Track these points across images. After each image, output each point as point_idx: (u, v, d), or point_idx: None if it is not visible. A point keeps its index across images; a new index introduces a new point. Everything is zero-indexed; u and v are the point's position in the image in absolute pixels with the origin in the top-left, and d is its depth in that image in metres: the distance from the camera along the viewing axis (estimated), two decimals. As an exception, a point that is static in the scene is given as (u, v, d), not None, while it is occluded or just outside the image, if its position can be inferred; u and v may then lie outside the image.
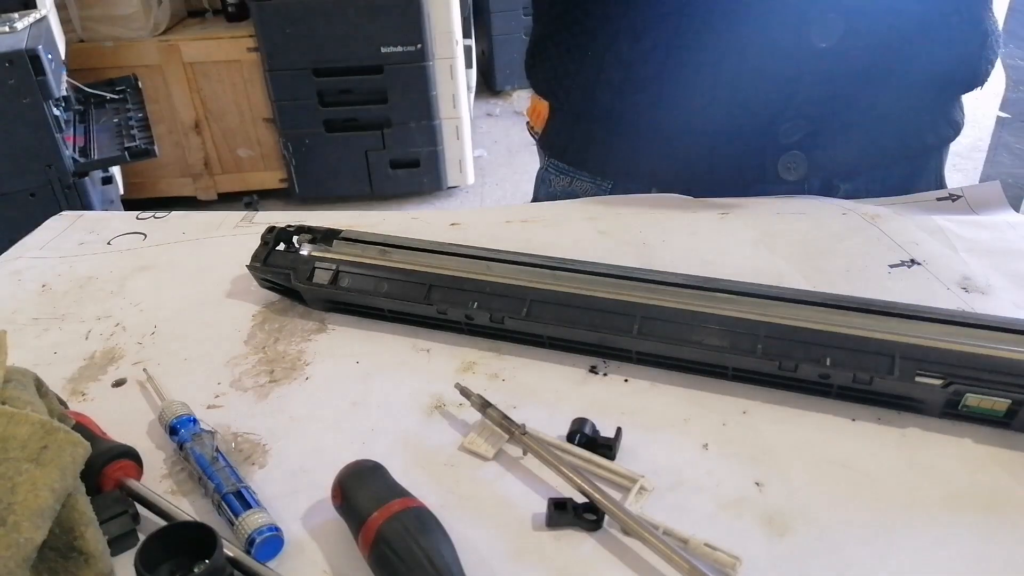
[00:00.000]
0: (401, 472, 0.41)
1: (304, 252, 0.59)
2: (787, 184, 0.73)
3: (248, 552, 0.38)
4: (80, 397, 0.52)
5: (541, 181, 0.88)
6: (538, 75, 0.81)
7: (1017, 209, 0.70)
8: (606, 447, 0.44)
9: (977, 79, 0.75)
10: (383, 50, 2.61)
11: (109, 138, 1.99)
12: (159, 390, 0.51)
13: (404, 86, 2.68)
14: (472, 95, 3.26)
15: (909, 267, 0.61)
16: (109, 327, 0.60)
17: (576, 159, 0.83)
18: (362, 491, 0.39)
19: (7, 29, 1.86)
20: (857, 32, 0.66)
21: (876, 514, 0.40)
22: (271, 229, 0.61)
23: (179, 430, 0.46)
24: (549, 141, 0.85)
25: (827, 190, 0.75)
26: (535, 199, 0.88)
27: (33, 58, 1.74)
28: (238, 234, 0.73)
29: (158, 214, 0.78)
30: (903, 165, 0.77)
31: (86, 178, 1.90)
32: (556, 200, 0.82)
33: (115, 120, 2.09)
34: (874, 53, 0.68)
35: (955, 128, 0.78)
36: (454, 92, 2.76)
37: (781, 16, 0.66)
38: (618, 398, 0.49)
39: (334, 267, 0.58)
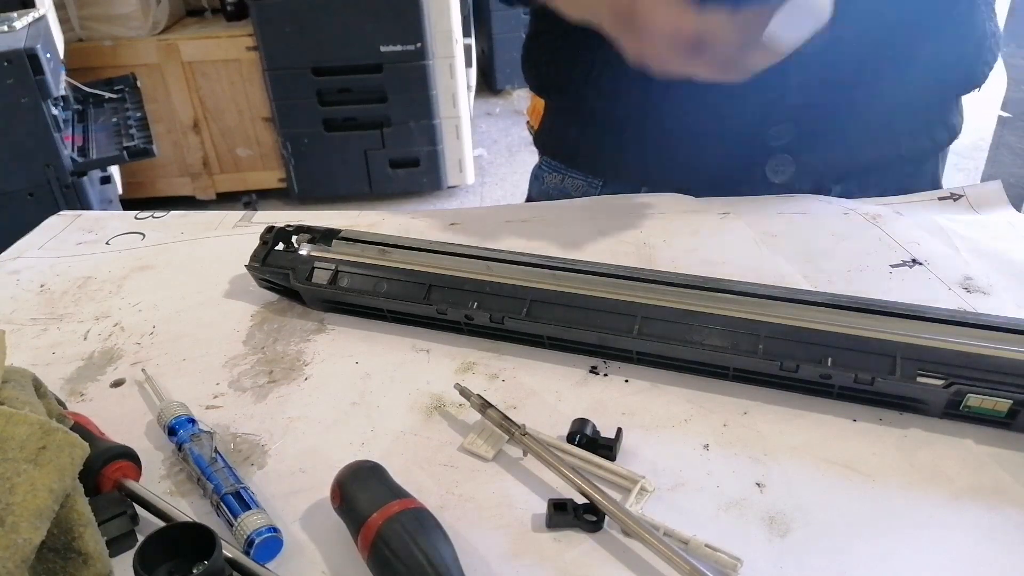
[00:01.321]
0: (401, 473, 0.41)
1: (303, 252, 0.59)
2: (776, 187, 0.73)
3: (247, 553, 0.38)
4: (78, 397, 0.52)
5: (535, 178, 0.88)
6: (532, 73, 0.81)
7: (1019, 209, 0.70)
8: (606, 448, 0.44)
9: (974, 81, 0.74)
10: (382, 49, 2.61)
11: (108, 137, 1.99)
12: (158, 390, 0.51)
13: (403, 85, 2.68)
14: (472, 94, 3.26)
15: (910, 267, 0.61)
16: (108, 327, 0.60)
17: (568, 157, 0.83)
18: (361, 492, 0.39)
19: (5, 28, 1.86)
20: (844, 36, 0.64)
21: (877, 515, 0.40)
22: (270, 229, 0.61)
23: (178, 431, 0.46)
24: (543, 138, 0.85)
25: (818, 192, 0.75)
26: (529, 196, 0.89)
27: (32, 57, 1.74)
28: (237, 234, 0.73)
29: (156, 214, 0.78)
30: (897, 169, 0.76)
31: (84, 178, 1.90)
32: (549, 197, 0.82)
33: (114, 119, 2.09)
34: (862, 58, 0.67)
35: (951, 132, 0.77)
36: (454, 91, 2.75)
37: None
38: (618, 398, 0.49)
39: (333, 267, 0.58)
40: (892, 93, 0.70)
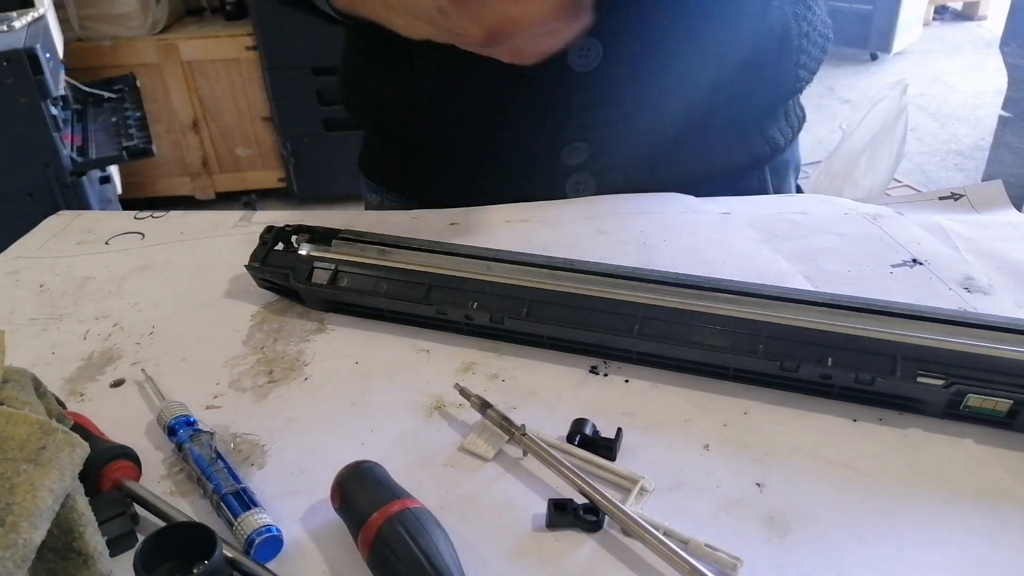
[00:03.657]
0: (401, 473, 0.41)
1: (303, 252, 0.59)
2: None
3: (247, 553, 0.38)
4: (78, 397, 0.52)
5: (364, 197, 0.87)
6: (342, 93, 0.80)
7: (1019, 208, 0.70)
8: (606, 448, 0.44)
9: (786, 90, 0.71)
10: (382, 49, 2.60)
11: (107, 137, 1.99)
12: (158, 390, 0.51)
13: (403, 85, 2.68)
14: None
15: (911, 267, 0.61)
16: (107, 327, 0.59)
17: (381, 178, 0.82)
18: (361, 492, 0.39)
19: (5, 28, 1.86)
20: (619, 55, 0.63)
21: (877, 515, 0.40)
22: (269, 229, 0.61)
23: (178, 431, 0.46)
24: (360, 159, 0.85)
25: None
26: None
27: (31, 57, 1.74)
28: (236, 234, 0.73)
29: (156, 214, 0.78)
30: (713, 185, 0.74)
31: (84, 177, 1.90)
32: None
33: (113, 119, 2.09)
34: (646, 75, 0.65)
35: (772, 144, 0.75)
36: (453, 91, 2.75)
37: None
38: (618, 398, 0.49)
39: (333, 267, 0.58)
40: (686, 111, 0.68)
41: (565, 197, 0.73)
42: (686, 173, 0.73)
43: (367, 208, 0.86)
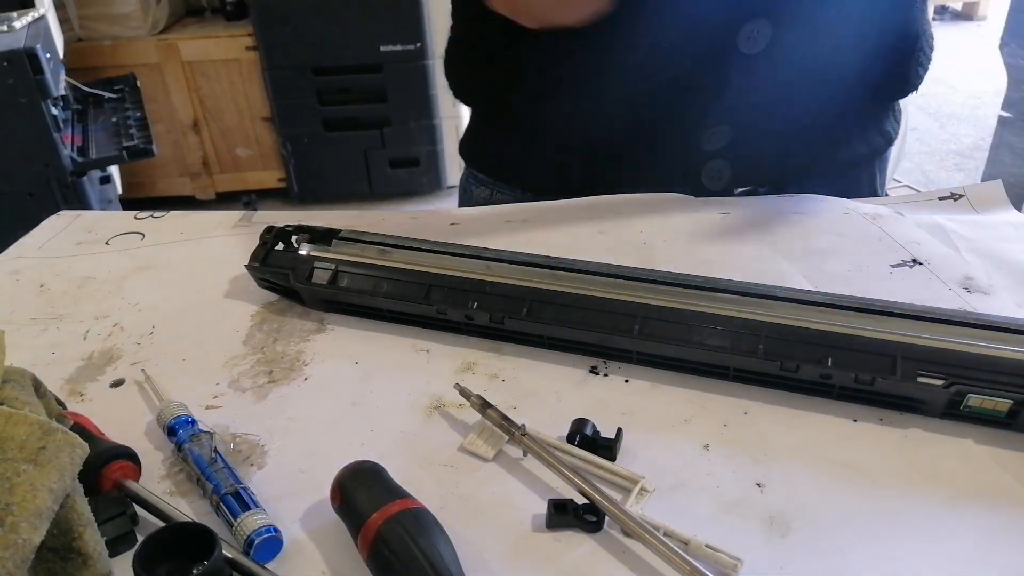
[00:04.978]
0: (400, 473, 0.41)
1: (303, 252, 0.59)
2: (711, 193, 0.72)
3: (247, 553, 0.38)
4: (78, 397, 0.52)
5: (463, 190, 0.86)
6: (455, 79, 0.78)
7: (1019, 209, 0.70)
8: (606, 448, 0.44)
9: (907, 86, 0.73)
10: (382, 48, 2.61)
11: (107, 137, 1.99)
12: (157, 391, 0.51)
13: (403, 85, 2.68)
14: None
15: (911, 267, 0.61)
16: (107, 327, 0.59)
17: (494, 168, 0.80)
18: (361, 492, 0.39)
19: (5, 28, 1.86)
20: (785, 40, 0.64)
21: (878, 515, 0.40)
22: (269, 229, 0.61)
23: (177, 431, 0.46)
24: (468, 148, 0.83)
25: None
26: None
27: (31, 57, 1.74)
28: (236, 234, 0.73)
29: (156, 214, 0.78)
30: (833, 176, 0.75)
31: (84, 177, 1.90)
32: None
33: (113, 119, 2.09)
34: (802, 61, 0.66)
35: (886, 138, 0.76)
36: (453, 91, 2.74)
37: (706, 22, 0.64)
38: (619, 399, 0.49)
39: (333, 267, 0.58)
40: (829, 97, 0.69)
41: (699, 186, 0.72)
42: (813, 163, 0.74)
43: (471, 204, 0.83)
